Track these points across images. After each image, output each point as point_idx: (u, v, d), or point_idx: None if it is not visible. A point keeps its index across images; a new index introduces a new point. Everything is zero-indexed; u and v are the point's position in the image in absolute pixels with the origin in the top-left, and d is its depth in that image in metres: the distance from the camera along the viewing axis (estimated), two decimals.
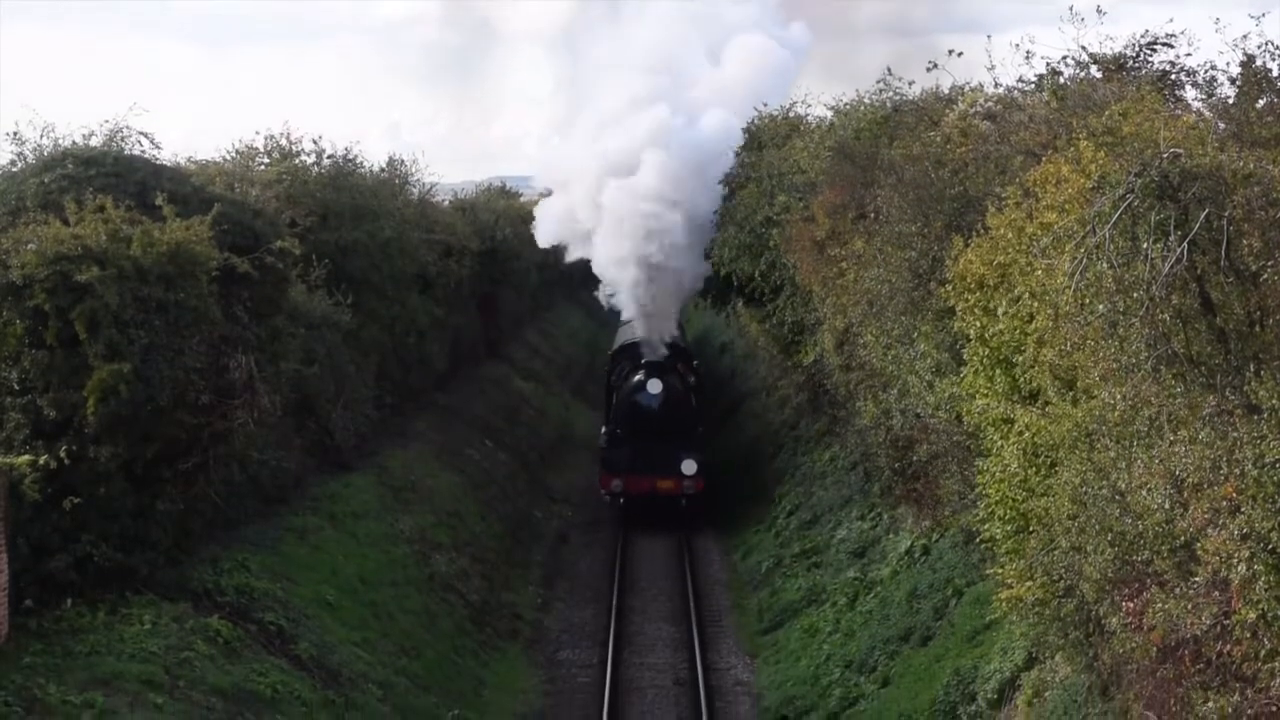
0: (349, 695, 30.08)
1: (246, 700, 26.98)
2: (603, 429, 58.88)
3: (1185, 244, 17.98)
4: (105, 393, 27.25)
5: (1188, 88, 29.25)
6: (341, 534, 37.70)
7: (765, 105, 60.91)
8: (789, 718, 34.93)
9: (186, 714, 25.30)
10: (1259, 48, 24.33)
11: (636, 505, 55.46)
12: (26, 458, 26.58)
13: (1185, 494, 17.85)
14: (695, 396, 59.99)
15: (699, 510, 55.91)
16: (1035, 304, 22.76)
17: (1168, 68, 30.18)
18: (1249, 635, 16.85)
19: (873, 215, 36.60)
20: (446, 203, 67.05)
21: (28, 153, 32.76)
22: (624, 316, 65.03)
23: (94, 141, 32.95)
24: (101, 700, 24.31)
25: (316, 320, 39.71)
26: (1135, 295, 18.29)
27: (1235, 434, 17.01)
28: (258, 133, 46.78)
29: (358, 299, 42.54)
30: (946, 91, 39.93)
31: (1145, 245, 18.32)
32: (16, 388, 27.91)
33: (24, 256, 27.58)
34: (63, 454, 26.97)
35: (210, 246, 29.59)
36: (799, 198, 46.88)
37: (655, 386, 56.10)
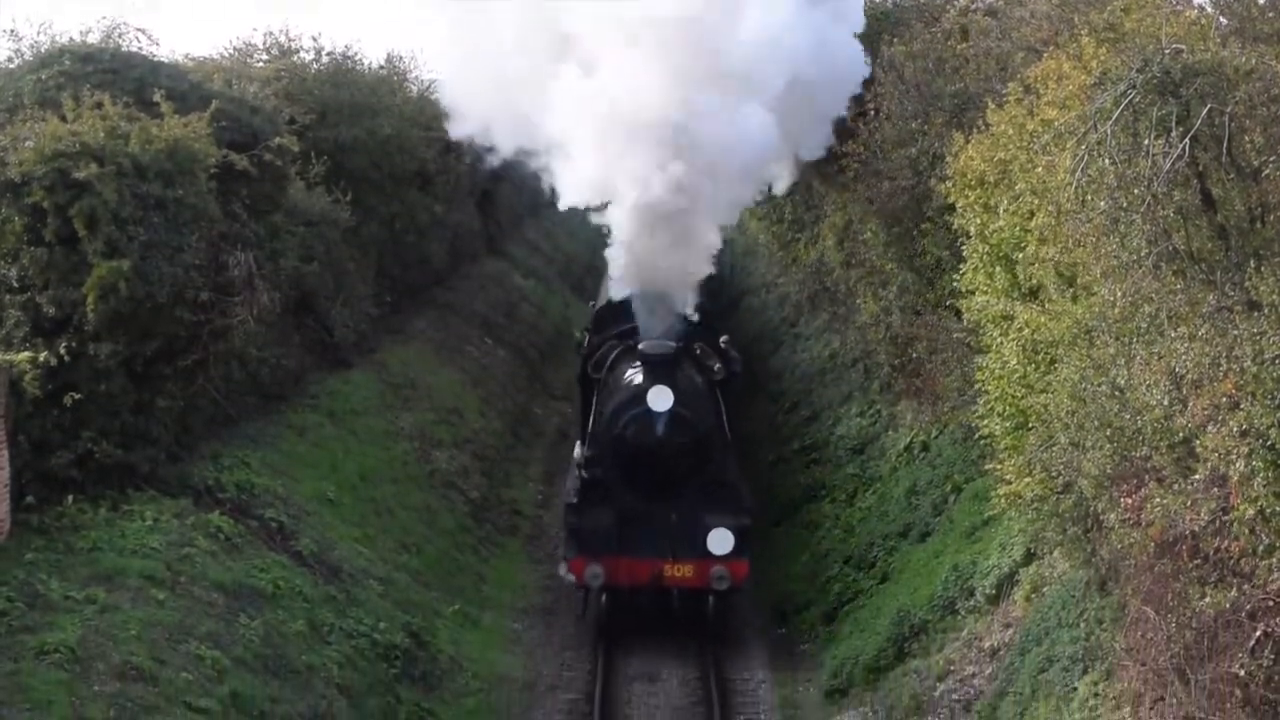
0: (350, 591, 30.21)
1: (248, 596, 27.09)
2: (573, 464, 36.26)
3: (1186, 140, 17.94)
4: (104, 290, 27.21)
5: None
6: (341, 431, 37.73)
7: None
8: (788, 613, 35.09)
9: (188, 609, 25.40)
10: None
11: (628, 604, 34.09)
12: (27, 355, 26.61)
13: (1185, 390, 17.88)
14: (726, 402, 37.57)
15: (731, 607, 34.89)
16: (1036, 201, 22.73)
17: None
18: (1247, 531, 16.91)
19: (873, 112, 36.48)
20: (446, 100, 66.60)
21: (25, 50, 32.66)
22: (613, 271, 39.00)
23: (91, 38, 32.84)
24: (103, 596, 24.41)
25: (315, 218, 39.59)
26: (1136, 192, 18.27)
27: (1235, 330, 17.02)
28: (255, 29, 46.60)
29: (357, 196, 42.37)
30: None
31: (1146, 141, 18.28)
32: (16, 285, 27.88)
33: (22, 154, 27.50)
34: (63, 351, 27.01)
35: (208, 143, 29.51)
36: None
37: (661, 400, 33.10)
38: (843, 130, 38.79)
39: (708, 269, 38.14)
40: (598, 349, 38.23)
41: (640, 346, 34.88)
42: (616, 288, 39.38)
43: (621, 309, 38.60)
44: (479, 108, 40.69)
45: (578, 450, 36.48)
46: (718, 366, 37.19)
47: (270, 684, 25.20)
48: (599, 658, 32.94)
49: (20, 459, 26.56)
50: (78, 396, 27.21)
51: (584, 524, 33.45)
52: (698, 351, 37.01)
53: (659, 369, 33.91)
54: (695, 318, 38.25)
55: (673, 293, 37.25)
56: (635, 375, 34.71)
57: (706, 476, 33.88)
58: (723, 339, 38.68)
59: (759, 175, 40.36)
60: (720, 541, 32.86)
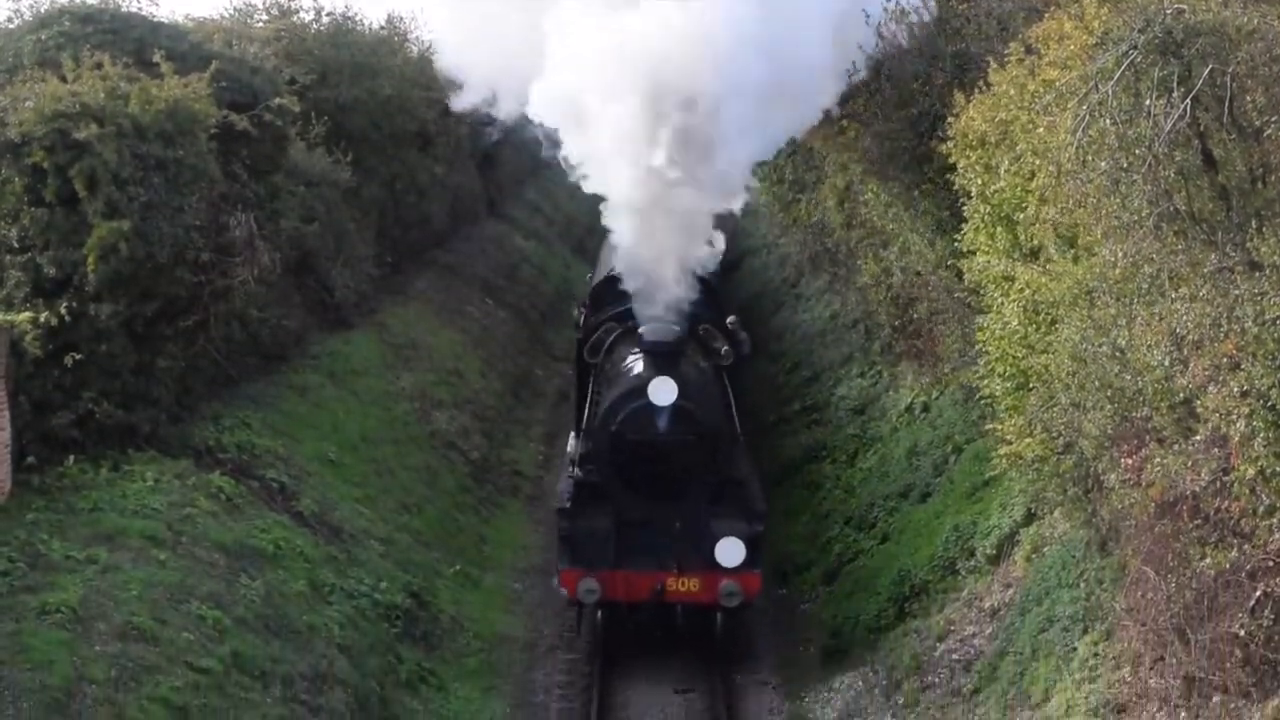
0: (351, 551, 30.27)
1: (249, 556, 27.14)
2: (565, 460, 34.97)
3: (1188, 100, 17.91)
4: (105, 250, 27.23)
5: None
6: (342, 392, 37.75)
7: None
8: (788, 573, 35.12)
9: (189, 569, 25.46)
10: None
11: (627, 621, 31.46)
12: (27, 315, 26.66)
13: (1185, 351, 17.88)
14: (734, 389, 34.47)
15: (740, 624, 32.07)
16: (1037, 161, 22.68)
17: None
18: (1247, 491, 16.94)
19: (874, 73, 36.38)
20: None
21: (24, 9, 32.58)
22: (614, 240, 34.98)
23: None
24: (105, 556, 24.47)
25: (316, 178, 39.60)
26: (1137, 152, 18.25)
27: (1236, 291, 17.03)
28: None
29: (357, 157, 42.36)
30: None
31: (1148, 102, 18.25)
32: (16, 245, 27.91)
33: (22, 114, 27.50)
34: (63, 311, 27.07)
35: (209, 104, 29.50)
36: None
37: (664, 393, 29.81)
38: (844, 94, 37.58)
39: (715, 240, 34.54)
40: (595, 330, 34.56)
41: (641, 331, 31.66)
42: (616, 259, 35.73)
43: (616, 291, 34.69)
44: (478, 72, 39.56)
45: (571, 443, 34.10)
46: (725, 350, 33.74)
47: (271, 644, 25.27)
48: (596, 679, 30.10)
49: (21, 419, 26.62)
50: (78, 357, 27.23)
51: (577, 531, 30.28)
52: (702, 333, 33.67)
53: (661, 358, 30.66)
54: (709, 278, 35.25)
55: (676, 269, 32.89)
56: (635, 364, 31.44)
57: (714, 477, 30.54)
58: (730, 319, 35.12)
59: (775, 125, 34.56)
60: (730, 552, 29.69)
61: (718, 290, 38.17)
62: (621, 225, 33.15)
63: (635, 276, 33.52)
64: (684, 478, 30.38)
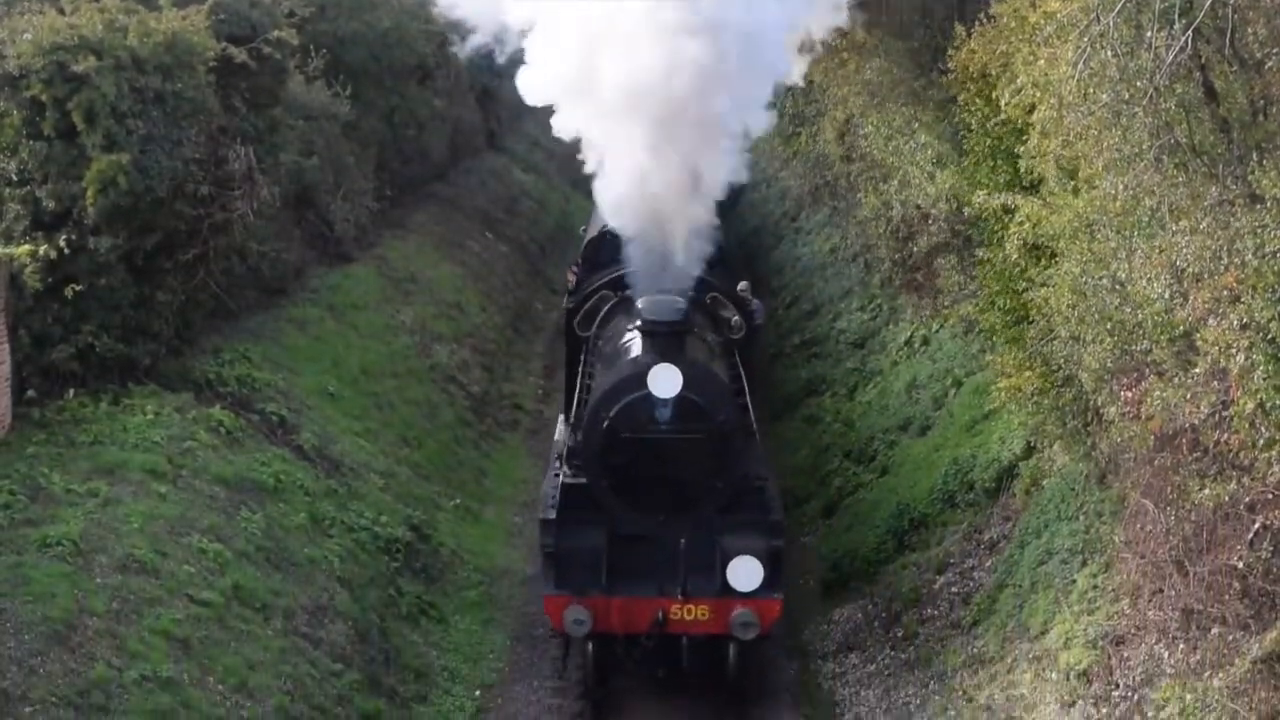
0: (351, 484, 30.31)
1: (249, 490, 27.21)
2: (552, 453, 30.08)
3: (1189, 32, 17.83)
4: (104, 184, 27.18)
5: None
6: (342, 325, 37.73)
7: None
8: (787, 506, 35.20)
9: (189, 503, 25.53)
10: None
11: (623, 656, 26.51)
12: (26, 248, 26.67)
13: (1185, 284, 17.88)
14: (747, 366, 30.05)
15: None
16: (1038, 94, 22.61)
17: None
18: (1247, 424, 16.95)
19: (874, 5, 36.29)
20: None
21: None
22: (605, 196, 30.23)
23: None
24: (105, 489, 24.54)
25: (315, 112, 39.50)
26: (1138, 84, 18.19)
27: (1236, 223, 17.00)
28: None
29: (356, 90, 42.23)
30: None
31: (1149, 34, 18.17)
32: (15, 179, 27.89)
33: (20, 47, 27.41)
34: (62, 245, 27.05)
35: (207, 36, 29.40)
36: None
37: (667, 383, 25.34)
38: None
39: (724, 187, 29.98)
40: (588, 298, 30.75)
41: (639, 305, 27.01)
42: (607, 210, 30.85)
43: (620, 242, 30.20)
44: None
45: (560, 431, 29.88)
46: (735, 320, 30.08)
47: (272, 576, 25.36)
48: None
49: (20, 352, 26.70)
50: (78, 290, 27.25)
51: (564, 548, 25.77)
52: (709, 302, 29.94)
53: (664, 340, 26.13)
54: (719, 241, 31.11)
55: (682, 227, 28.58)
56: (633, 343, 27.19)
57: (726, 482, 25.92)
58: (741, 284, 31.96)
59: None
60: (745, 574, 25.09)
61: (727, 250, 33.74)
62: (611, 176, 28.81)
63: (631, 244, 29.27)
64: (690, 483, 25.85)
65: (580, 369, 29.40)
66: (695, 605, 25.40)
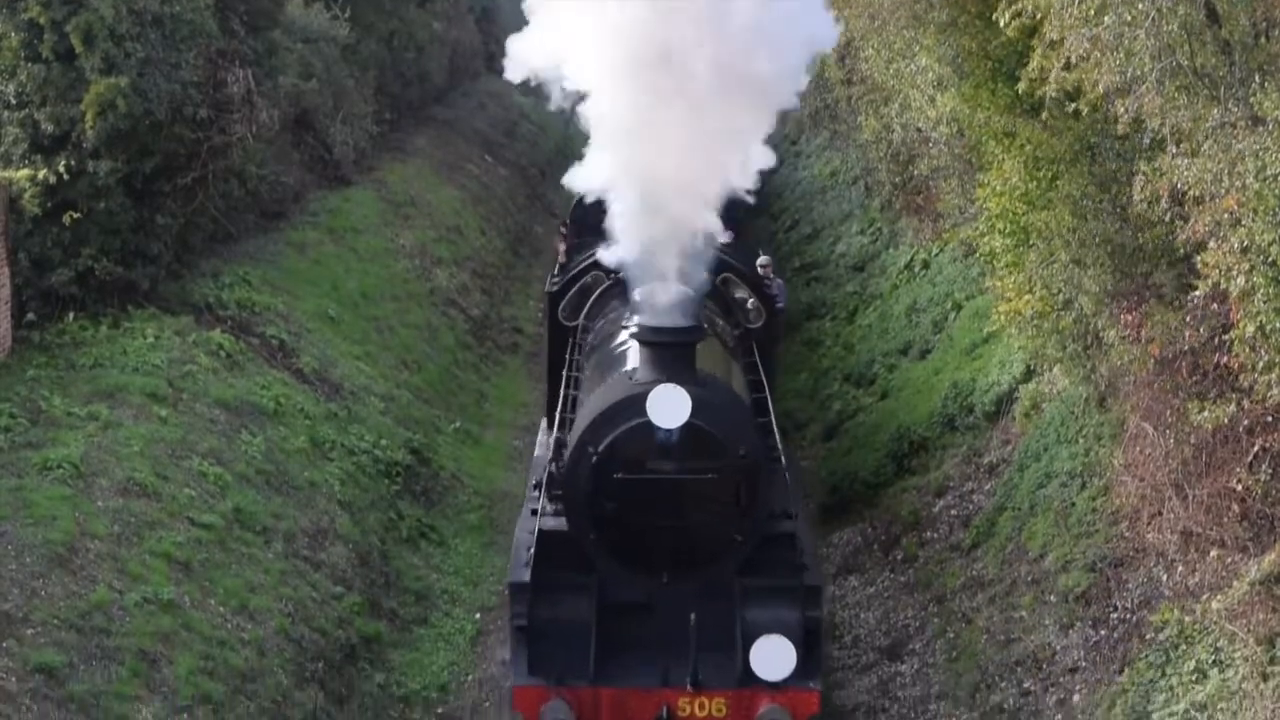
0: (351, 408, 30.34)
1: (249, 413, 27.24)
2: (530, 475, 24.39)
3: None
4: (102, 107, 27.11)
5: None
6: (342, 249, 37.71)
7: None
8: (787, 430, 35.16)
9: (190, 426, 25.57)
10: None
11: None
12: (25, 172, 26.66)
13: (1186, 207, 17.83)
14: (766, 361, 23.91)
15: None
16: (1040, 16, 22.52)
17: None
18: (1246, 348, 16.93)
19: None
20: None
21: None
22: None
23: None
24: (106, 413, 24.56)
25: (314, 34, 39.42)
26: (1140, 6, 18.08)
27: (1238, 146, 16.92)
28: None
29: (355, 13, 42.14)
30: None
31: None
32: (14, 102, 27.83)
33: None
34: (61, 168, 26.98)
35: None
36: None
37: (671, 410, 18.77)
38: None
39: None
40: (575, 280, 25.36)
41: (637, 298, 20.58)
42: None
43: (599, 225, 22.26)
44: None
45: (541, 442, 25.20)
46: (751, 304, 24.83)
47: (273, 500, 25.42)
48: None
49: (20, 276, 26.67)
50: (77, 215, 27.22)
51: (540, 622, 19.31)
52: (720, 285, 24.26)
53: (669, 355, 19.55)
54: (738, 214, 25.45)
55: (694, 197, 20.09)
56: (629, 350, 20.91)
57: (748, 534, 19.52)
58: (760, 260, 27.26)
59: None
60: (774, 658, 18.58)
61: (741, 220, 27.75)
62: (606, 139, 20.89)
63: (623, 220, 20.84)
64: (702, 536, 19.53)
65: (568, 364, 23.41)
66: (709, 699, 18.98)
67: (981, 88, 26.07)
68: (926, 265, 36.50)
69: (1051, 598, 22.56)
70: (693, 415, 18.69)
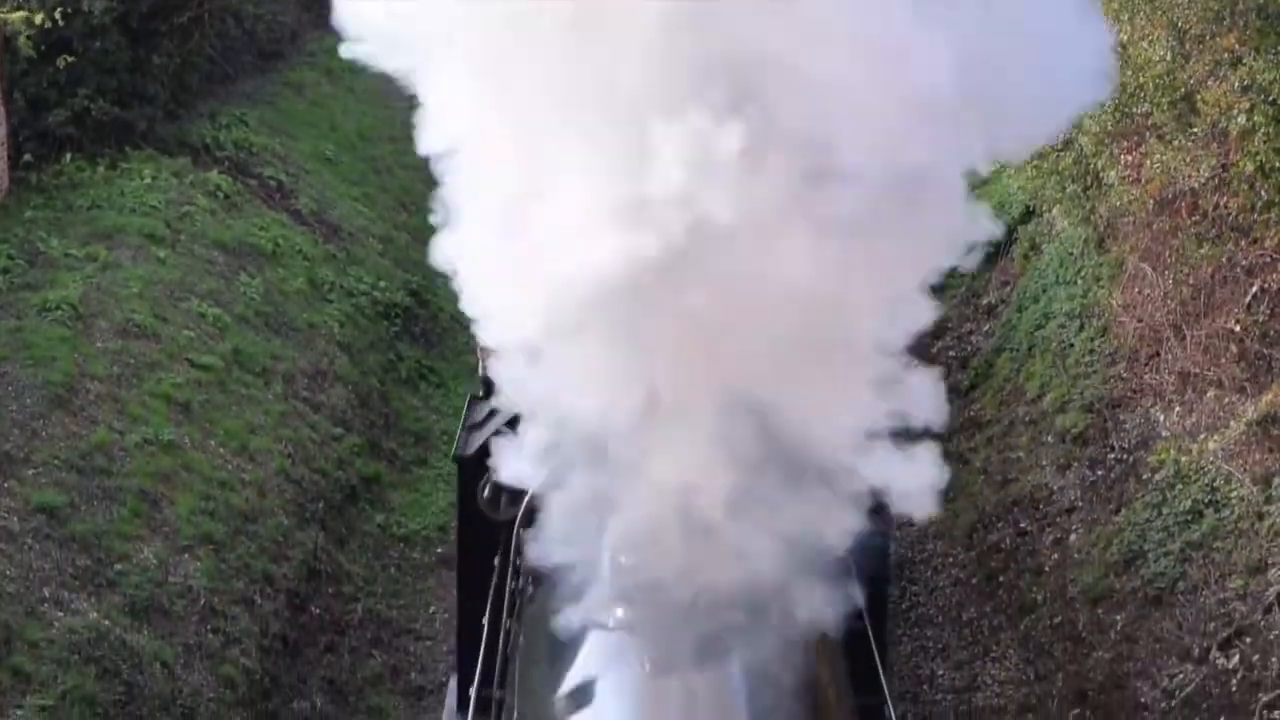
0: (349, 249, 30.27)
1: (248, 254, 27.18)
2: None
3: None
4: None
5: None
6: (339, 89, 37.41)
7: None
8: None
9: (189, 267, 25.54)
10: None
11: None
12: (20, 14, 26.36)
13: (1187, 45, 17.74)
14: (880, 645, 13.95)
15: None
16: None
17: None
18: (1246, 187, 16.92)
19: None
20: None
21: None
22: None
23: None
24: (104, 254, 24.51)
25: None
26: None
27: None
28: None
29: None
30: None
31: None
32: None
33: None
34: (56, 11, 26.76)
35: None
36: None
37: None
38: None
39: None
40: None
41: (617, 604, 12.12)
42: None
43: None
44: None
45: (450, 711, 17.42)
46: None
47: (272, 340, 25.42)
48: None
49: (16, 117, 26.51)
50: (72, 57, 27.03)
51: None
52: None
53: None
54: None
55: None
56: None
57: None
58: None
59: None
60: None
61: None
62: None
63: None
64: None
65: (491, 585, 14.98)
66: None
67: None
68: None
69: (1049, 438, 22.60)
70: None
